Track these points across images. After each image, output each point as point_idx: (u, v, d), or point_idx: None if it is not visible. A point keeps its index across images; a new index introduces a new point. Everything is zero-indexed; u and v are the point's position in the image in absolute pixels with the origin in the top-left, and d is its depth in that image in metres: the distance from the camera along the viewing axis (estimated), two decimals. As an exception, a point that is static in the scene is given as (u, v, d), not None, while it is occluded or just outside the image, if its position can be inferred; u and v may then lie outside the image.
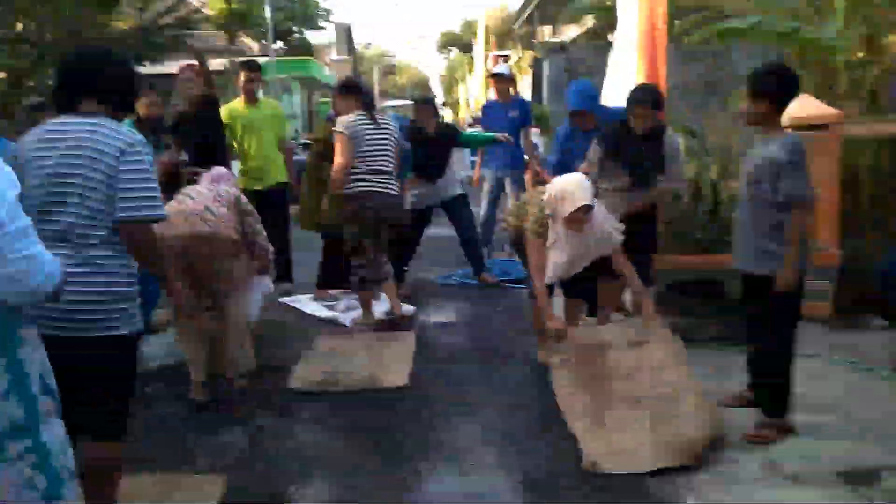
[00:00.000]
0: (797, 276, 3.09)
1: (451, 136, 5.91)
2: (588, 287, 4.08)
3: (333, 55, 39.05)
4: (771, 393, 3.22)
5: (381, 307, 5.09)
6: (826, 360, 3.97)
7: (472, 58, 50.85)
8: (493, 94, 7.03)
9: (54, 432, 1.83)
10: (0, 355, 1.72)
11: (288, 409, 3.69)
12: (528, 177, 6.85)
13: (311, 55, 29.00)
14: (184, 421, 3.56)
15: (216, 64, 18.60)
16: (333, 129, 4.65)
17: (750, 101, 3.11)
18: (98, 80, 2.31)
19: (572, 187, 3.62)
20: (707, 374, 3.72)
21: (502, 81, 6.52)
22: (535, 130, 8.79)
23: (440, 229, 6.68)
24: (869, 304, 4.55)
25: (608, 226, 3.74)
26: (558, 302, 4.21)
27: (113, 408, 2.29)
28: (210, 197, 3.71)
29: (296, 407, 3.72)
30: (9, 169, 1.73)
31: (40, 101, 7.77)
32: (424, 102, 6.08)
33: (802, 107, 4.65)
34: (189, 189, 3.88)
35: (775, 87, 3.09)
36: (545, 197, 3.74)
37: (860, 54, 6.66)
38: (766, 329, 3.24)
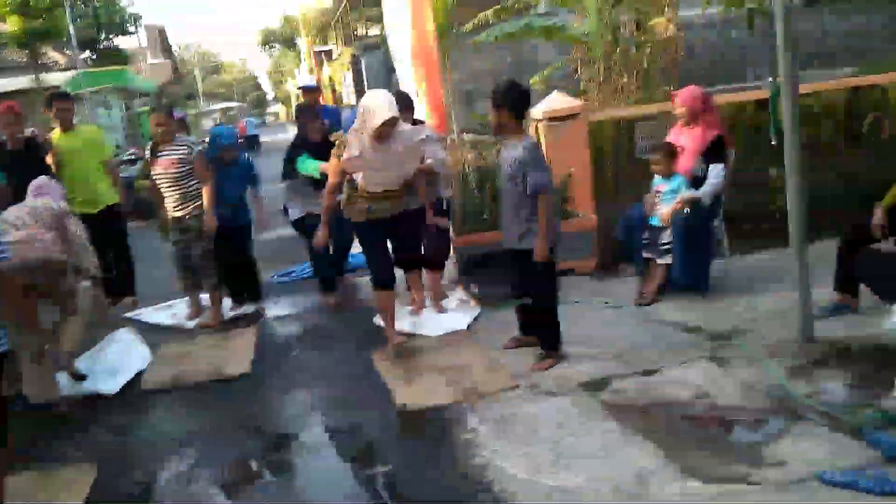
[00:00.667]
0: (549, 248, 3.94)
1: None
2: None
3: (150, 59, 37.51)
4: (545, 334, 4.16)
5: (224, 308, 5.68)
6: (588, 304, 5.01)
7: (297, 53, 50.45)
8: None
9: None
10: None
11: (143, 404, 4.22)
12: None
13: (126, 62, 27.92)
14: (47, 422, 3.99)
15: (20, 82, 17.76)
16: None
17: (494, 113, 3.96)
18: None
19: (377, 102, 4.07)
20: (497, 327, 4.67)
21: (309, 92, 6.97)
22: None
23: (279, 231, 7.25)
24: (623, 258, 5.70)
25: (416, 137, 4.34)
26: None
27: None
28: (32, 224, 4.00)
29: (150, 401, 4.26)
30: None
31: None
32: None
33: (554, 102, 5.71)
34: (10, 214, 4.10)
35: (511, 99, 3.92)
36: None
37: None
38: (533, 288, 4.16)
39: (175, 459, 3.53)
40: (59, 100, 5.93)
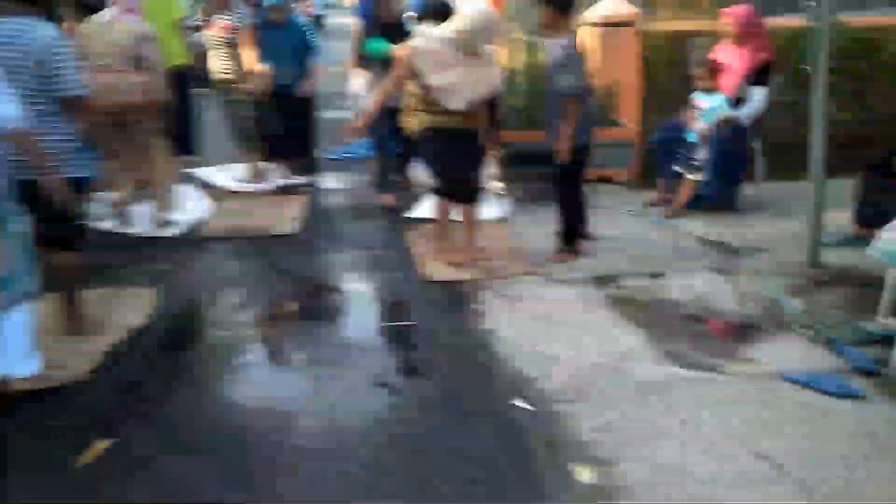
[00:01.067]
0: (568, 149, 4.09)
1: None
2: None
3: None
4: (563, 230, 4.48)
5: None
6: (615, 210, 5.27)
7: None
8: None
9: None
10: None
11: (203, 247, 4.73)
12: None
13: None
14: (119, 250, 4.54)
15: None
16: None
17: (540, 10, 4.11)
18: None
19: (482, 20, 3.87)
20: (528, 221, 5.01)
21: None
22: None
23: (338, 113, 7.58)
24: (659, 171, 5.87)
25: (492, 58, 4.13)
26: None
27: (70, 226, 3.24)
28: (114, 63, 4.41)
29: (209, 246, 4.77)
30: None
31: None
32: None
33: (609, 7, 5.76)
34: (98, 45, 4.43)
35: None
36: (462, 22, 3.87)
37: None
38: (559, 184, 4.44)
39: (226, 293, 4.05)
40: None
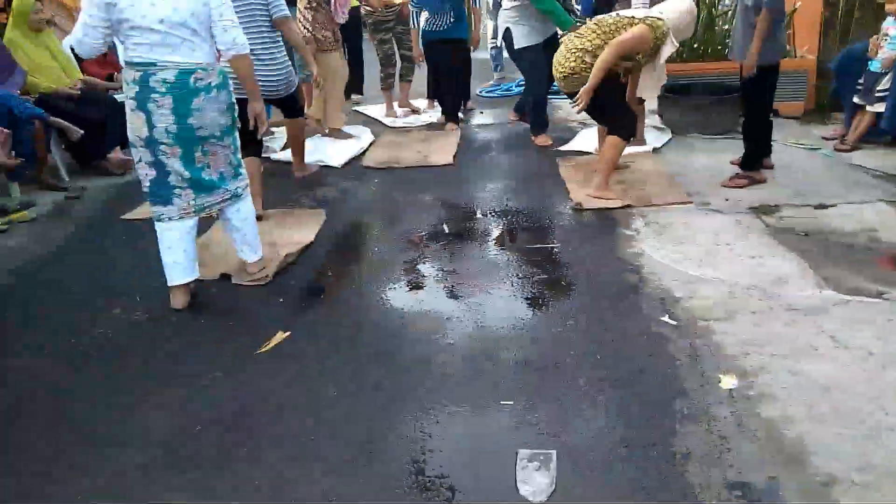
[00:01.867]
0: (754, 63, 4.02)
1: None
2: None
3: None
4: (749, 153, 4.34)
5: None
6: (785, 144, 5.01)
7: None
8: None
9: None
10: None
11: (364, 176, 5.06)
12: None
13: None
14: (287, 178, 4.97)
15: None
16: None
17: None
18: None
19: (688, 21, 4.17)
20: (685, 152, 4.88)
21: None
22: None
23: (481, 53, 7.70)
24: (835, 106, 5.48)
25: None
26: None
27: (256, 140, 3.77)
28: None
29: (369, 175, 5.09)
30: None
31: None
32: None
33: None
34: None
35: None
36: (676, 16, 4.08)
37: None
38: (748, 104, 4.30)
39: (384, 217, 4.34)
40: None
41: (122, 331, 3.11)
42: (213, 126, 3.08)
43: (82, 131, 5.02)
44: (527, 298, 3.18)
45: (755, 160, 4.31)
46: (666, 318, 2.90)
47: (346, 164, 5.33)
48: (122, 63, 3.09)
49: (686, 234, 3.70)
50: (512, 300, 3.17)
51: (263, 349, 2.88)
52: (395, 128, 6.33)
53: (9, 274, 3.76)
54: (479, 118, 6.58)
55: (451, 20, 5.81)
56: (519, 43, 5.39)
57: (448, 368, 2.67)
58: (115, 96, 5.30)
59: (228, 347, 2.91)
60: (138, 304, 3.31)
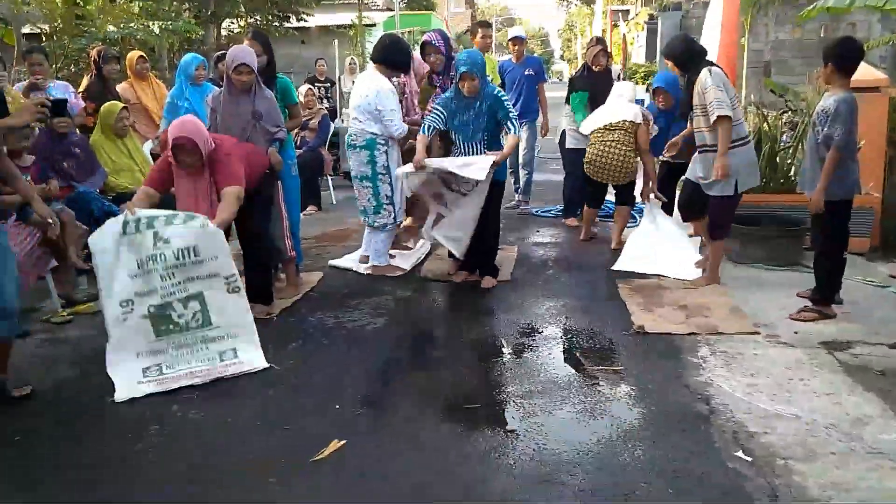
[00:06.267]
0: (820, 199, 4.02)
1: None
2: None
3: (453, 7, 40.04)
4: (819, 284, 4.26)
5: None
6: (853, 280, 4.89)
7: (592, 11, 49.92)
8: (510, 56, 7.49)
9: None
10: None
11: (423, 288, 5.09)
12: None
13: (433, 8, 30.23)
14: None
15: (344, 18, 20.26)
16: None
17: (824, 65, 4.11)
18: None
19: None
20: (748, 284, 4.81)
21: (518, 43, 7.29)
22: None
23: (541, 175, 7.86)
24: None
25: None
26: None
27: None
28: None
29: (427, 286, 5.12)
30: None
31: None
32: None
33: (857, 71, 5.45)
34: None
35: (837, 53, 4.05)
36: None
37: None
38: (822, 239, 4.26)
39: (437, 327, 4.32)
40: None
41: (180, 425, 3.08)
42: None
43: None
44: (589, 422, 3.06)
45: (826, 295, 4.21)
46: (741, 454, 2.75)
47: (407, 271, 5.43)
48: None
49: (756, 365, 3.57)
50: (574, 423, 3.06)
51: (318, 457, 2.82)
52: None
53: (71, 366, 3.81)
54: (535, 237, 6.64)
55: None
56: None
57: (508, 494, 2.55)
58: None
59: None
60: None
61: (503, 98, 4.77)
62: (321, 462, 2.78)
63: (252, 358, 3.66)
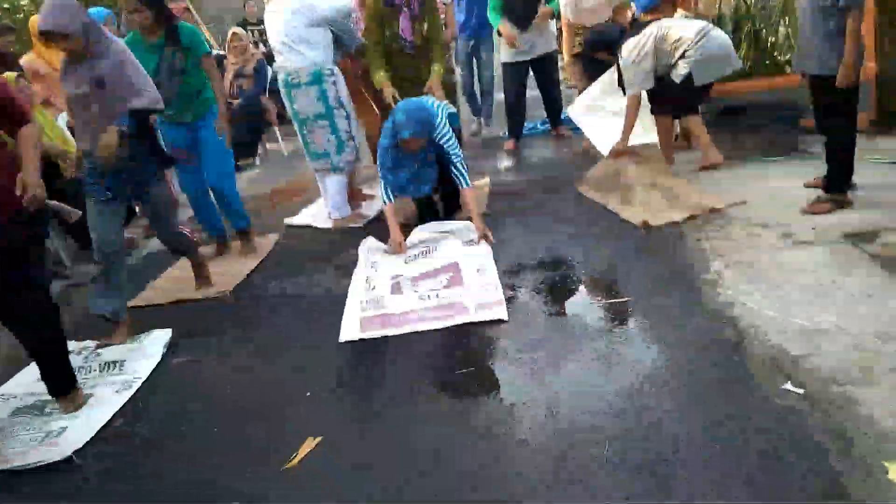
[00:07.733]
0: (856, 73, 3.55)
1: None
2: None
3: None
4: (833, 174, 3.80)
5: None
6: (857, 159, 4.44)
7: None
8: None
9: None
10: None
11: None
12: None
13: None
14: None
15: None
16: None
17: None
18: None
19: None
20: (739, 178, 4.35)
21: None
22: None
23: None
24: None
25: None
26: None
27: None
28: None
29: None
30: None
31: None
32: None
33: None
34: None
35: None
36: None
37: None
38: (832, 119, 3.76)
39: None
40: None
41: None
42: None
43: (80, 212, 4.58)
44: (606, 372, 2.61)
45: (840, 181, 3.76)
46: (789, 386, 2.32)
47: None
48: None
49: (780, 274, 3.12)
50: (589, 376, 2.61)
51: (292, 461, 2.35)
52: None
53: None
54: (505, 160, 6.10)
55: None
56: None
57: (524, 471, 2.11)
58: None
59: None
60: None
61: (449, 145, 4.04)
62: (292, 467, 2.32)
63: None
